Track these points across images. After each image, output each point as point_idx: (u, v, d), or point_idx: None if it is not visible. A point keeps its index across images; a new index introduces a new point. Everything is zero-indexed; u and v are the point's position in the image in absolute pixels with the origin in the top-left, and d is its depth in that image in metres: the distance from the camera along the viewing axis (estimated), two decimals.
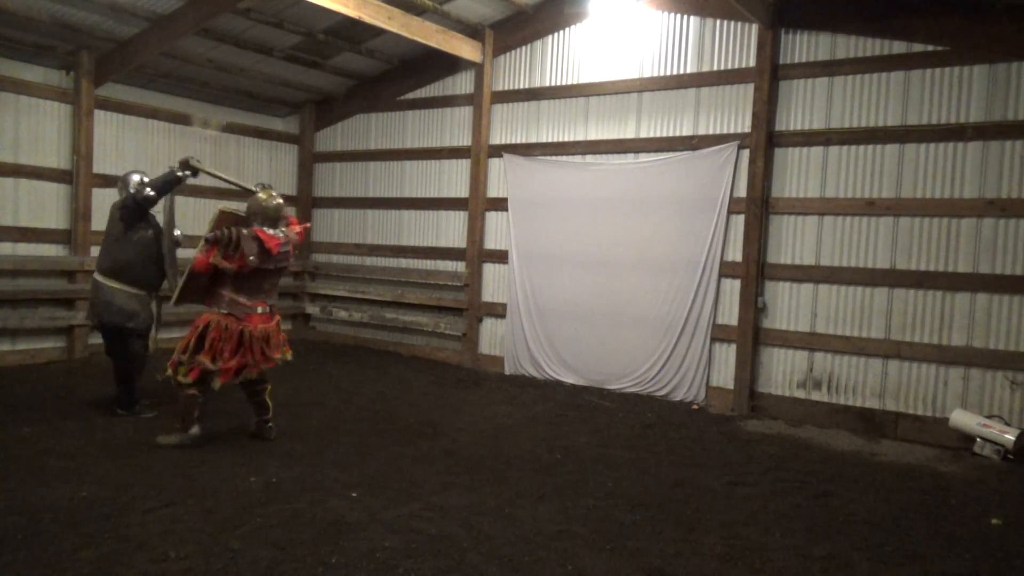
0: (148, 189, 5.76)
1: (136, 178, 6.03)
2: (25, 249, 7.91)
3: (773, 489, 5.00)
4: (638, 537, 4.06)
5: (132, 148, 8.78)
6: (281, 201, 5.43)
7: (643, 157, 7.93)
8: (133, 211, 5.80)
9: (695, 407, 7.44)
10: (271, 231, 5.25)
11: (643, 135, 7.97)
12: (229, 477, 4.63)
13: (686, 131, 7.71)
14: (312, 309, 10.46)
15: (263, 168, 10.28)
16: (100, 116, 8.37)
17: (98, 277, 5.87)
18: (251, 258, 5.04)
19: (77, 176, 8.15)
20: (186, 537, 3.72)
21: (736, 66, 7.42)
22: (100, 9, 7.35)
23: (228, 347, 5.09)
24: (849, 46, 6.89)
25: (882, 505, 4.79)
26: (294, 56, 8.97)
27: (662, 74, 7.84)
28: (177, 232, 6.08)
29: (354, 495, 4.44)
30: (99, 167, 8.27)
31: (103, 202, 7.52)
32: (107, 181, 7.99)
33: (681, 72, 7.73)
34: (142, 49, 7.92)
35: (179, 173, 5.79)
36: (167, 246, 5.92)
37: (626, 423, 6.68)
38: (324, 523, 3.99)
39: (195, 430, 5.21)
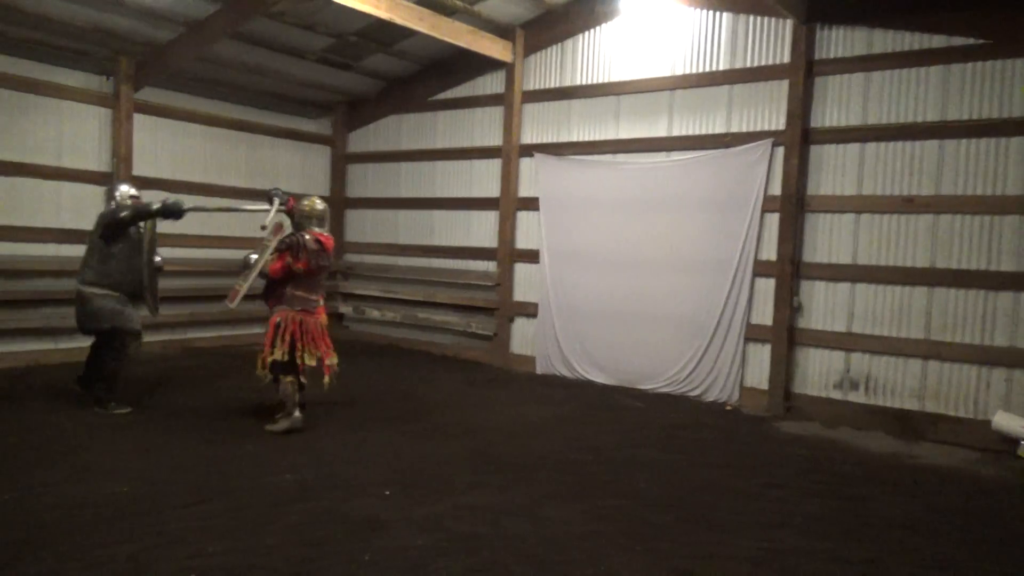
0: (124, 212, 5.95)
1: (125, 188, 6.25)
2: (68, 250, 8.11)
3: (808, 491, 4.93)
4: (669, 538, 4.03)
5: (169, 150, 8.96)
6: (325, 204, 6.06)
7: (675, 155, 7.87)
8: (110, 227, 5.98)
9: (728, 408, 7.36)
10: (325, 231, 5.87)
11: (675, 133, 7.90)
12: (263, 474, 4.70)
13: (719, 129, 7.63)
14: (345, 309, 10.56)
15: (295, 169, 10.42)
16: (138, 120, 8.54)
17: (82, 288, 5.99)
18: (312, 259, 5.64)
19: (116, 179, 8.32)
20: (222, 533, 3.78)
21: (770, 62, 7.32)
22: (138, 15, 7.50)
23: (308, 338, 5.67)
24: (886, 41, 6.75)
25: (920, 509, 4.69)
26: (326, 58, 9.07)
27: (694, 71, 7.77)
28: (158, 258, 6.30)
29: (387, 493, 4.47)
30: (138, 169, 8.44)
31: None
32: (146, 183, 8.15)
33: (714, 69, 7.65)
34: (178, 54, 8.07)
35: (155, 207, 5.87)
36: (147, 271, 6.14)
37: (657, 423, 6.64)
38: (356, 521, 4.03)
39: (298, 414, 5.69)
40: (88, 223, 8.20)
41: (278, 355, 5.57)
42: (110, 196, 6.28)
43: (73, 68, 8.12)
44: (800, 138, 7.03)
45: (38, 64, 7.84)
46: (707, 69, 7.69)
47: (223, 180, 9.48)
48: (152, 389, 6.51)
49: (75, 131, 8.13)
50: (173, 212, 5.83)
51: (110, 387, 6.06)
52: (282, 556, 3.56)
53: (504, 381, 8.24)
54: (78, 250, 8.12)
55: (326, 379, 5.87)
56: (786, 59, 7.16)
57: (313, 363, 5.73)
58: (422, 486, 4.65)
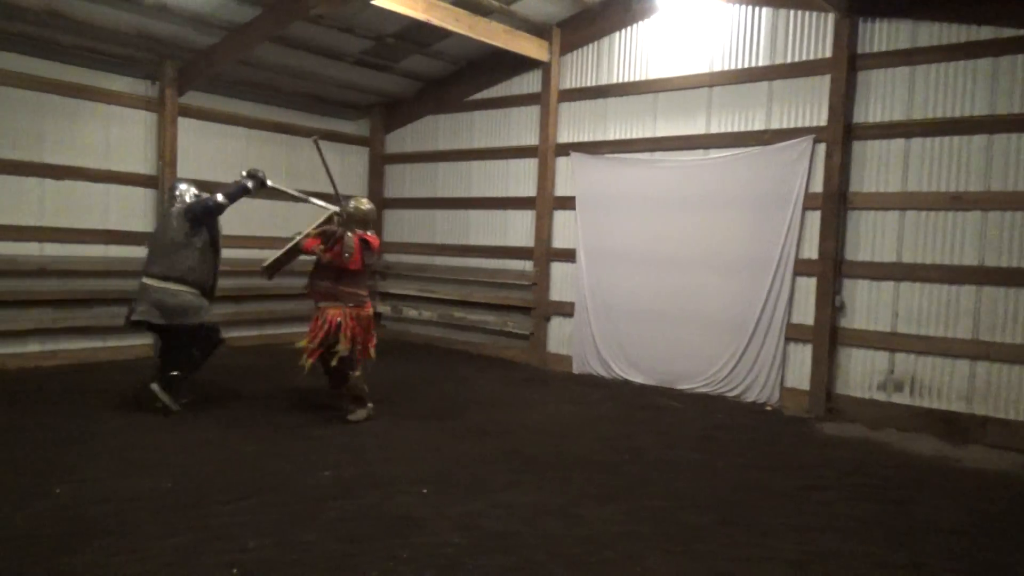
0: (220, 196, 6.02)
1: (184, 187, 6.29)
2: (115, 251, 8.34)
3: (850, 494, 4.83)
4: (707, 540, 3.99)
5: (212, 153, 9.14)
6: (372, 206, 6.36)
7: (713, 153, 7.78)
8: (201, 216, 6.03)
9: (768, 408, 7.25)
10: (370, 232, 6.15)
11: (713, 130, 7.81)
12: (302, 471, 4.77)
13: (758, 126, 7.52)
14: (383, 308, 10.66)
15: (334, 170, 10.47)
16: (183, 123, 8.74)
17: (157, 283, 5.97)
18: (346, 255, 5.89)
19: (162, 181, 8.53)
20: (262, 529, 3.85)
21: (811, 57, 7.19)
22: (182, 20, 7.67)
23: (360, 331, 6.02)
24: (932, 33, 6.58)
25: (967, 513, 4.57)
26: (364, 60, 9.17)
27: (733, 68, 7.67)
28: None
29: (423, 491, 4.50)
30: (182, 172, 8.62)
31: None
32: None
33: (753, 65, 7.54)
34: (221, 58, 8.23)
35: (248, 184, 6.10)
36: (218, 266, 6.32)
37: (695, 424, 6.57)
38: (393, 518, 4.06)
39: (370, 404, 6.11)
40: (135, 224, 8.49)
41: (343, 351, 5.88)
42: (171, 195, 6.30)
43: (120, 73, 8.34)
44: (842, 134, 6.90)
45: (87, 70, 8.06)
46: (746, 65, 7.59)
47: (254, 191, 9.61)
48: (194, 387, 6.63)
49: (122, 135, 8.35)
50: (257, 178, 6.09)
51: (184, 377, 6.10)
52: (321, 552, 3.61)
53: (541, 381, 8.24)
54: (125, 251, 8.39)
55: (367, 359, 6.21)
56: (827, 53, 7.03)
57: (373, 357, 6.16)
58: (459, 484, 4.68)
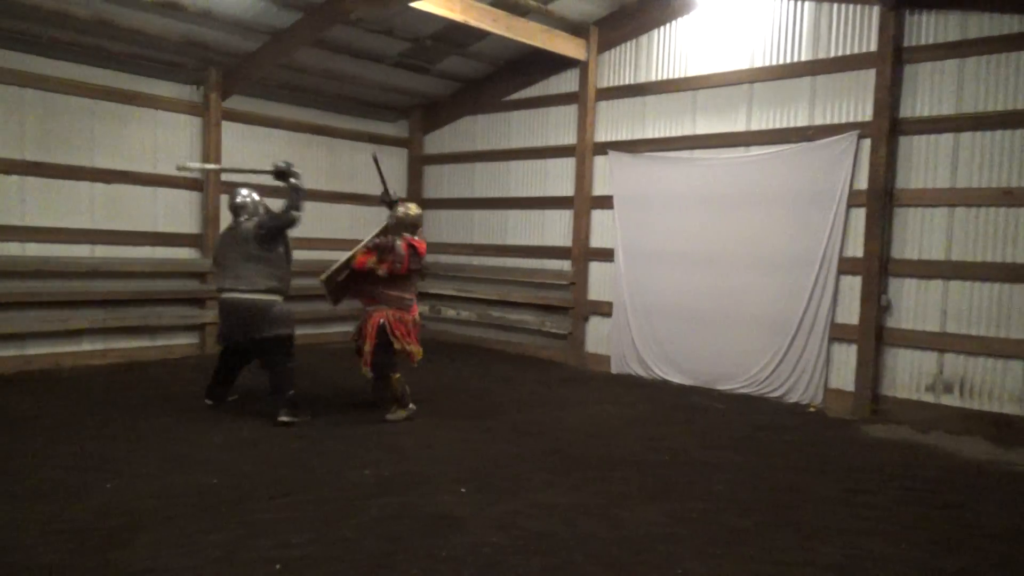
0: (294, 212, 5.98)
1: (245, 192, 6.20)
2: (162, 253, 8.55)
3: (897, 498, 4.72)
4: (748, 543, 3.93)
5: (255, 155, 9.28)
6: (421, 211, 6.49)
7: (754, 150, 7.67)
8: (277, 233, 6.01)
9: (811, 409, 7.12)
10: (417, 237, 6.25)
11: (754, 127, 7.70)
12: (343, 469, 4.83)
13: (801, 122, 7.39)
14: (422, 308, 10.70)
15: (374, 172, 10.61)
16: (226, 126, 8.93)
17: (249, 296, 5.88)
18: (397, 264, 5.99)
19: (207, 184, 8.73)
20: (304, 525, 3.91)
21: (855, 51, 7.04)
22: (225, 27, 7.83)
23: (412, 333, 6.16)
24: (982, 24, 6.39)
25: (1020, 518, 4.43)
26: (403, 62, 9.24)
27: (775, 63, 7.55)
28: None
29: (462, 491, 4.53)
30: (227, 175, 8.81)
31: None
32: (233, 188, 8.48)
33: (795, 60, 7.42)
34: (263, 62, 8.39)
35: (301, 185, 6.09)
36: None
37: (737, 425, 6.48)
38: (432, 517, 4.09)
39: (411, 404, 6.16)
40: (181, 226, 8.68)
41: (398, 348, 6.01)
42: (235, 204, 6.17)
43: (167, 79, 8.55)
44: (888, 129, 6.74)
45: (135, 76, 8.29)
46: (788, 60, 7.47)
47: (305, 184, 9.74)
48: (241, 385, 6.75)
49: (168, 139, 8.56)
50: (292, 170, 6.09)
51: (292, 393, 5.95)
52: (361, 550, 3.65)
53: (579, 380, 8.22)
54: (171, 252, 8.60)
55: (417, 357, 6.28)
56: (873, 47, 6.88)
57: (419, 358, 6.20)
58: (497, 484, 4.69)
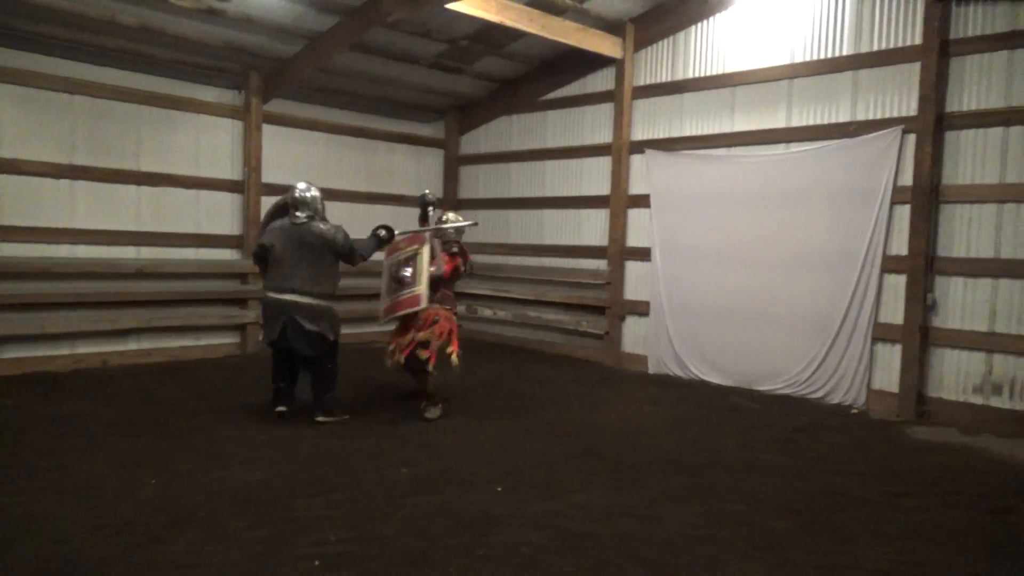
0: (362, 252, 6.12)
1: (303, 186, 6.03)
2: (205, 254, 8.74)
3: (943, 502, 4.60)
4: (789, 546, 3.87)
5: (294, 158, 9.45)
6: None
7: (794, 147, 7.54)
8: (343, 258, 6.06)
9: (854, 411, 6.98)
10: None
11: (794, 124, 7.57)
12: (381, 468, 4.88)
13: (842, 117, 7.25)
14: (458, 308, 10.76)
15: (410, 173, 10.75)
16: (267, 130, 9.08)
17: (303, 299, 5.85)
18: (465, 264, 6.56)
19: (248, 186, 8.89)
20: (343, 523, 3.96)
21: (899, 44, 6.88)
22: (266, 31, 7.97)
23: (454, 331, 6.34)
24: None
25: None
26: (439, 63, 9.29)
27: (815, 58, 7.42)
28: None
29: (498, 490, 4.54)
30: (266, 177, 8.97)
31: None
32: (273, 190, 8.65)
33: (836, 55, 7.28)
34: (302, 66, 8.51)
35: (381, 234, 6.27)
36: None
37: (777, 426, 6.39)
38: (470, 515, 4.11)
39: (441, 403, 6.33)
40: (223, 228, 8.85)
41: (455, 352, 6.17)
42: (295, 199, 5.99)
43: (209, 84, 8.73)
44: (934, 124, 6.57)
45: (178, 82, 8.48)
46: (829, 55, 7.33)
47: (343, 185, 9.92)
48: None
49: (210, 142, 8.74)
50: (390, 230, 6.30)
51: (332, 390, 6.09)
52: (399, 547, 3.68)
53: (616, 380, 8.17)
54: (214, 253, 8.77)
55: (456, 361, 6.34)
56: (917, 40, 6.71)
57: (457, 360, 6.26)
58: (534, 483, 4.69)
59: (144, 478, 4.50)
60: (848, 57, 7.20)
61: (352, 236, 6.15)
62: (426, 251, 6.14)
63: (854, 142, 7.09)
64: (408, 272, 6.15)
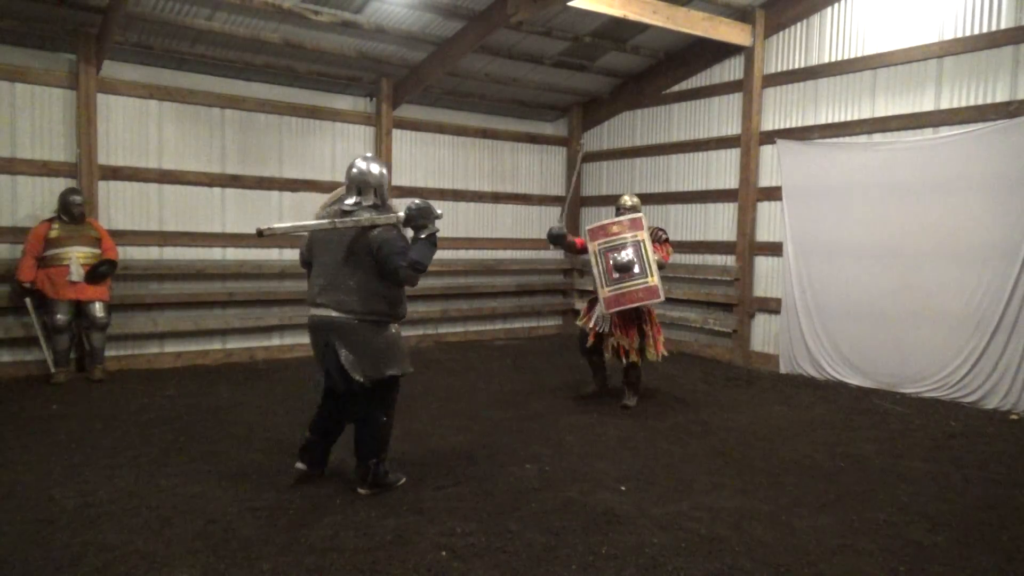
0: (421, 263, 4.22)
1: (363, 165, 4.82)
2: None
3: None
4: (939, 561, 3.60)
5: (423, 161, 9.80)
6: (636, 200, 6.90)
7: (944, 131, 6.99)
8: (390, 275, 4.22)
9: (1014, 417, 6.38)
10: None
11: (944, 106, 7.02)
12: (507, 463, 4.95)
13: (1001, 97, 6.64)
14: (580, 305, 10.73)
15: (534, 171, 10.85)
16: (396, 134, 9.47)
17: (356, 320, 4.23)
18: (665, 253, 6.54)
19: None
20: (469, 515, 4.05)
21: None
22: (396, 40, 8.29)
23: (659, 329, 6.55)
24: None
25: None
26: (562, 61, 9.32)
27: (969, 34, 6.84)
28: None
29: (623, 489, 4.50)
30: (396, 180, 9.33)
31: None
32: (403, 192, 8.99)
33: (994, 29, 6.68)
34: (429, 71, 8.78)
35: (436, 230, 4.46)
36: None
37: (924, 432, 5.95)
38: (594, 513, 4.10)
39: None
40: None
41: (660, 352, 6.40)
42: (349, 173, 4.81)
43: (344, 93, 9.21)
44: None
45: (317, 92, 9.01)
46: (985, 30, 6.74)
47: (470, 186, 10.18)
48: (411, 379, 7.14)
49: (345, 149, 9.19)
50: (432, 214, 4.48)
51: (382, 453, 4.40)
52: (524, 542, 3.73)
53: (745, 380, 7.89)
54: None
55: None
56: None
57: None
58: (660, 483, 4.62)
59: (288, 466, 4.70)
60: (1009, 31, 6.58)
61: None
62: (648, 238, 6.13)
63: (1016, 123, 6.47)
64: (625, 257, 5.97)
